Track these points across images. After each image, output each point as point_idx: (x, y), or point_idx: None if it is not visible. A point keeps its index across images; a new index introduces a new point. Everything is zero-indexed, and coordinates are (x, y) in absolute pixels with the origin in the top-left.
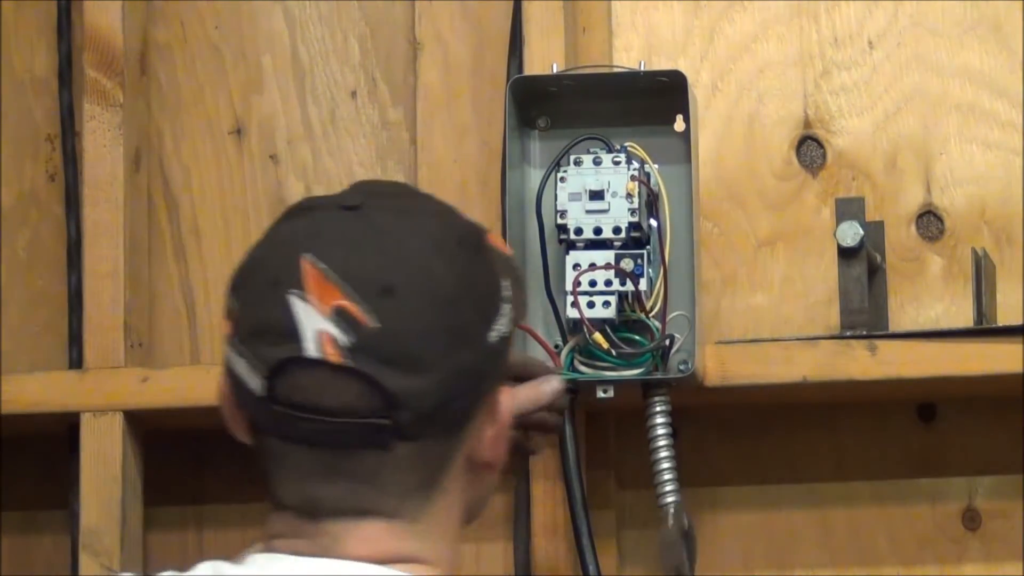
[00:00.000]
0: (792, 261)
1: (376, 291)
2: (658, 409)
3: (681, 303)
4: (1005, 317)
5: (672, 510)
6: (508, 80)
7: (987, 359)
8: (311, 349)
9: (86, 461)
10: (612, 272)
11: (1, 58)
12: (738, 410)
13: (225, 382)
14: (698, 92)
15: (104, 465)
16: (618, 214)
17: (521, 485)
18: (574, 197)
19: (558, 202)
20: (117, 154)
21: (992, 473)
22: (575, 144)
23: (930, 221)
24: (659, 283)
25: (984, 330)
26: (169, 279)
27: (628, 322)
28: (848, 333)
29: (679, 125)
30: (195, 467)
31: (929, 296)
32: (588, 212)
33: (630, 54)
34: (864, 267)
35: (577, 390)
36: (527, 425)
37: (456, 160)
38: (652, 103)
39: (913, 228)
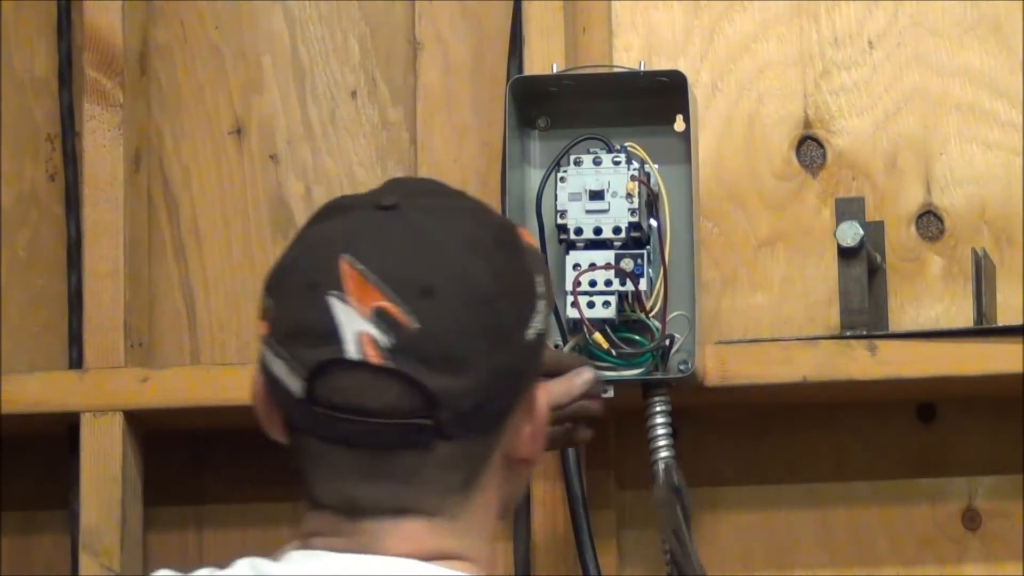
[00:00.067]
0: (792, 261)
1: (416, 292)
2: (658, 409)
3: (681, 303)
4: (1005, 317)
5: (662, 467)
6: (508, 80)
7: (987, 359)
8: (352, 351)
9: (86, 461)
10: (612, 272)
11: (1, 58)
12: (738, 410)
13: (260, 382)
14: (698, 92)
15: (104, 465)
16: (618, 214)
17: None
18: (574, 197)
19: (558, 202)
20: (117, 154)
21: (992, 473)
22: (575, 144)
23: (930, 221)
24: (659, 283)
25: (984, 330)
26: (169, 279)
27: (628, 322)
28: (848, 333)
29: (679, 125)
30: (195, 467)
31: (929, 296)
32: (588, 212)
33: (630, 54)
34: (864, 267)
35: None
36: (567, 418)
37: (456, 160)
38: (652, 103)
39: (913, 228)
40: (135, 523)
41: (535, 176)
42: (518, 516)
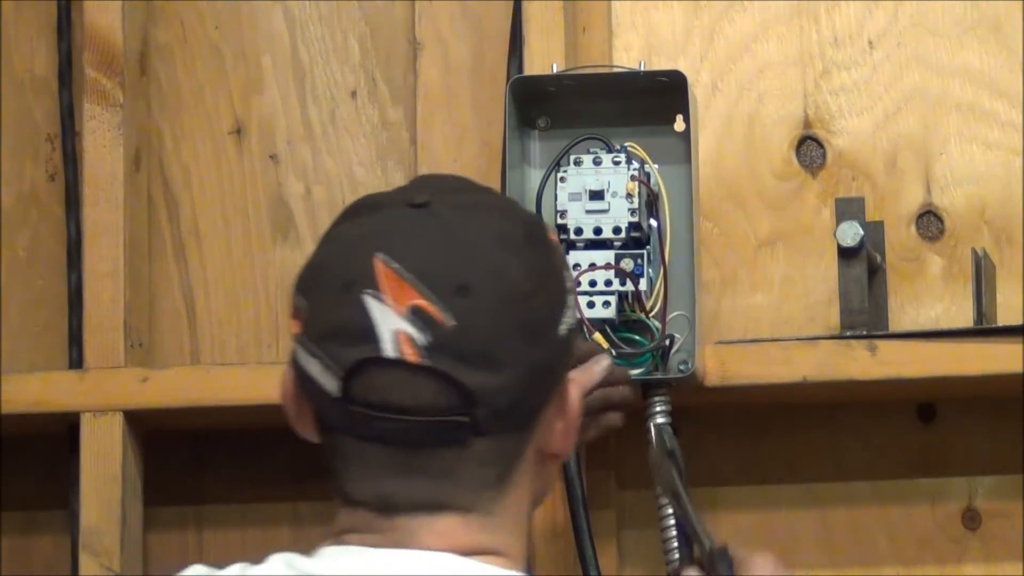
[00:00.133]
0: (792, 261)
1: (451, 290)
2: (658, 409)
3: (681, 303)
4: (1005, 317)
5: (653, 431)
6: (508, 80)
7: (987, 359)
8: (388, 349)
9: (86, 461)
10: (612, 272)
11: (1, 58)
12: (738, 410)
13: (291, 381)
14: (698, 92)
15: (104, 465)
16: (618, 214)
17: None
18: (574, 197)
19: (558, 202)
20: (117, 154)
21: (992, 473)
22: (575, 144)
23: (930, 221)
24: (659, 283)
25: (984, 330)
26: (169, 279)
27: (628, 322)
28: (848, 333)
29: (679, 125)
30: (195, 467)
31: (929, 296)
32: (588, 212)
33: (630, 54)
34: (864, 267)
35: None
36: (592, 407)
37: (456, 160)
38: (652, 103)
39: (913, 228)
40: (135, 523)
41: (535, 176)
42: None
